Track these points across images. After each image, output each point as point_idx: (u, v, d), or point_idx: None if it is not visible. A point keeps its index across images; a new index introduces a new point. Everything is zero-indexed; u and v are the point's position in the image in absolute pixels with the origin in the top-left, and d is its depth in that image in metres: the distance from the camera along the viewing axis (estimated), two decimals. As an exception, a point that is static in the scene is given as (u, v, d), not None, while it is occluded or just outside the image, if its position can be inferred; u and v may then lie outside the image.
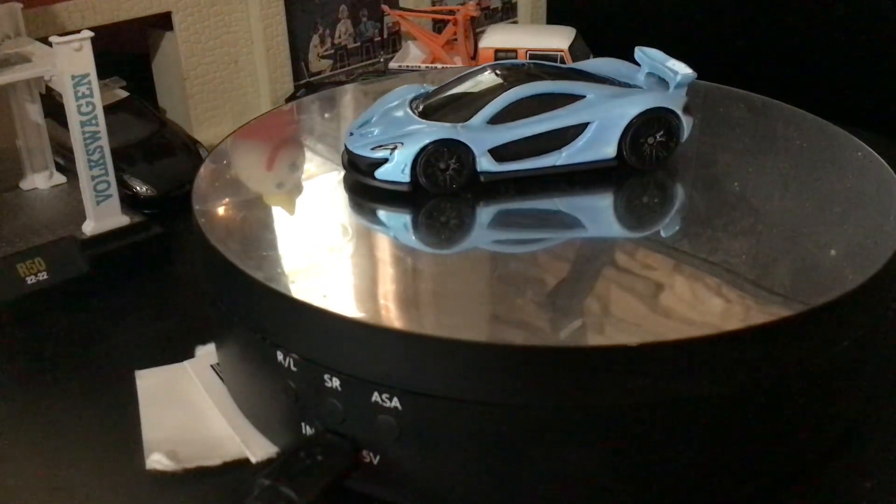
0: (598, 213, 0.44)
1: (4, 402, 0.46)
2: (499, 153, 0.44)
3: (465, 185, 0.44)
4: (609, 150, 0.45)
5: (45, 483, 0.41)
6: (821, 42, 0.76)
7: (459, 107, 0.45)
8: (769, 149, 0.49)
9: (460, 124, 0.44)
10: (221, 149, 0.51)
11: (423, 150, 0.43)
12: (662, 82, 0.47)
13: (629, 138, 0.45)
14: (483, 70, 0.48)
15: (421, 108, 0.46)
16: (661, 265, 0.40)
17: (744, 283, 0.38)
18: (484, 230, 0.43)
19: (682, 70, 0.46)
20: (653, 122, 0.45)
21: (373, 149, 0.44)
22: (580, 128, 0.44)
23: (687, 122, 0.46)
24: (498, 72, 0.47)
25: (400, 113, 0.46)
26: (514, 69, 0.47)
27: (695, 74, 0.46)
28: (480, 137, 0.44)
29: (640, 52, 0.49)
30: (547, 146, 0.44)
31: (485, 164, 0.44)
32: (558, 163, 0.45)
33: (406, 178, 0.44)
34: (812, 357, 0.37)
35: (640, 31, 0.88)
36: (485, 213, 0.44)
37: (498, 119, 0.44)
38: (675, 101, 0.46)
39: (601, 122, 0.44)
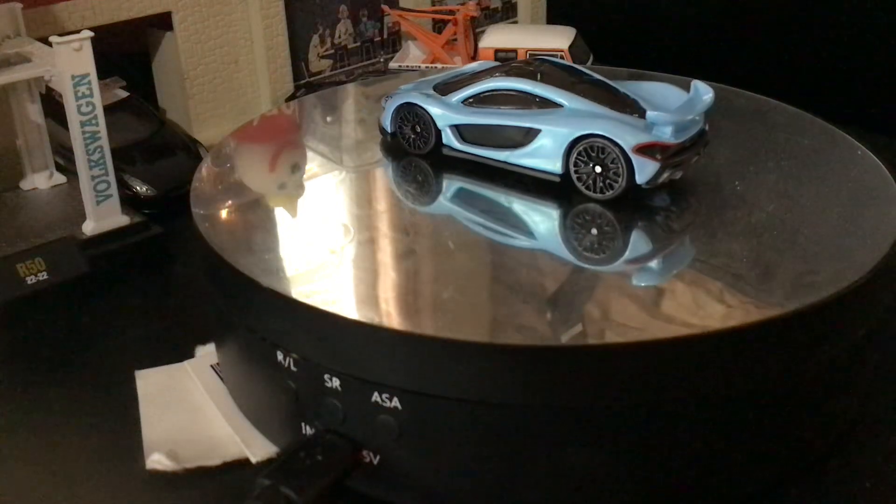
0: (599, 213, 0.44)
1: (4, 403, 0.46)
2: (463, 133, 0.47)
3: (429, 152, 0.48)
4: (554, 165, 0.44)
5: (45, 483, 0.41)
6: (821, 42, 0.76)
7: (458, 86, 0.48)
8: (769, 149, 0.49)
9: (440, 98, 0.47)
10: (221, 148, 0.51)
11: (398, 108, 0.49)
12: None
13: (573, 159, 0.43)
14: (511, 62, 0.49)
15: (444, 84, 0.49)
16: (660, 265, 0.40)
17: (742, 282, 0.38)
18: (486, 231, 0.43)
19: (658, 109, 0.43)
20: (596, 150, 0.42)
21: (385, 97, 0.50)
22: (533, 133, 0.44)
23: (642, 165, 0.41)
24: (513, 64, 0.48)
25: (427, 83, 0.50)
26: (531, 65, 0.47)
27: (667, 118, 0.42)
28: (448, 113, 0.47)
29: (694, 85, 0.45)
30: (504, 141, 0.45)
31: (450, 138, 0.47)
32: (510, 160, 0.45)
33: (388, 128, 0.49)
34: (811, 357, 0.37)
35: (641, 32, 0.88)
36: (491, 215, 0.44)
37: (472, 102, 0.47)
38: (627, 135, 0.42)
39: (551, 134, 0.44)
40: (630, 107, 0.44)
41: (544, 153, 0.44)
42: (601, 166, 0.42)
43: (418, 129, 0.48)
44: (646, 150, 0.41)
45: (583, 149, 0.43)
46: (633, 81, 0.46)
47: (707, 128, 0.45)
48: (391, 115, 0.49)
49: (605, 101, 0.44)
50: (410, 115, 0.48)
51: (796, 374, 0.37)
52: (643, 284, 0.38)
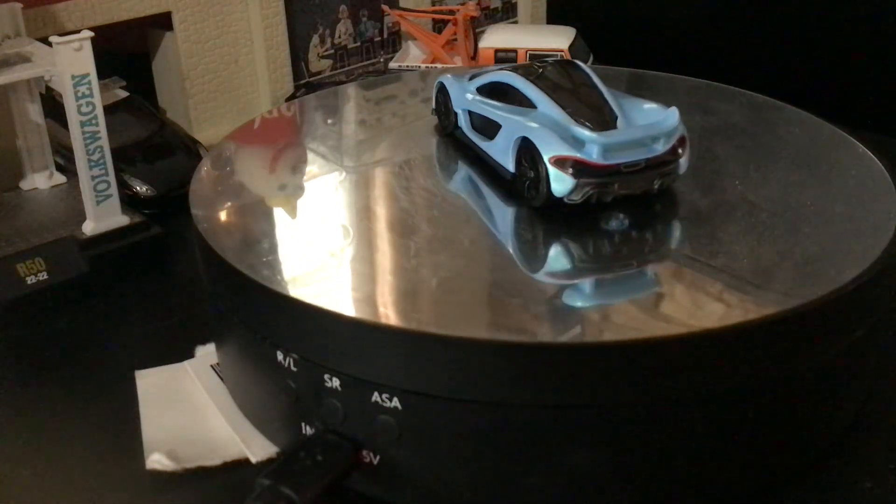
0: (598, 213, 0.44)
1: (4, 403, 0.46)
2: (472, 119, 0.49)
3: (451, 133, 0.50)
4: (509, 163, 0.44)
5: (45, 483, 0.41)
6: (821, 42, 0.76)
7: (481, 76, 0.49)
8: (769, 148, 0.49)
9: (465, 83, 0.50)
10: (220, 148, 0.51)
11: (437, 86, 0.52)
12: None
13: (516, 161, 0.43)
14: (542, 61, 0.49)
15: (479, 73, 0.51)
16: (660, 264, 0.40)
17: (742, 282, 0.38)
18: (487, 231, 0.43)
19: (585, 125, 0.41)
20: (530, 155, 0.42)
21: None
22: (497, 129, 0.45)
23: (558, 177, 0.40)
24: (535, 63, 0.48)
25: (476, 71, 0.52)
26: (542, 66, 0.47)
27: (592, 136, 0.40)
28: (464, 98, 0.49)
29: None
30: (489, 133, 0.46)
31: (462, 122, 0.49)
32: (488, 151, 0.46)
33: (433, 105, 0.53)
34: (811, 356, 0.37)
35: (641, 32, 0.88)
36: (493, 214, 0.44)
37: (482, 91, 0.48)
38: (550, 145, 0.41)
39: (505, 133, 0.44)
40: (602, 123, 0.42)
41: (502, 150, 0.44)
42: (534, 171, 0.42)
43: (443, 110, 0.51)
44: (562, 163, 0.41)
45: (522, 152, 0.43)
46: (635, 99, 0.45)
47: (681, 159, 0.43)
48: (434, 93, 0.52)
49: (580, 111, 0.43)
50: (442, 94, 0.51)
51: (796, 373, 0.37)
52: (642, 284, 0.38)
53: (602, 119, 0.42)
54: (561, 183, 0.41)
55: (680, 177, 0.43)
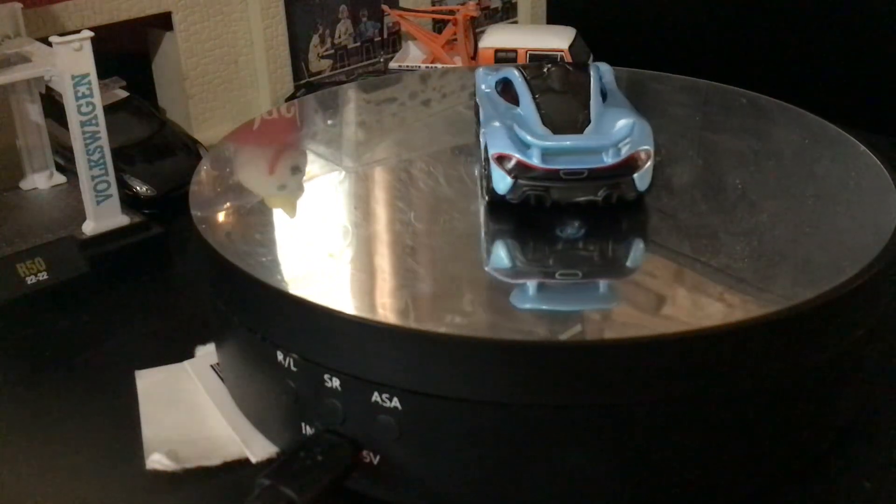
0: (597, 211, 0.44)
1: (4, 403, 0.46)
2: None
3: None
4: (482, 158, 0.45)
5: (46, 483, 0.41)
6: (821, 42, 0.76)
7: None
8: (769, 148, 0.49)
9: (489, 76, 0.50)
10: (220, 148, 0.51)
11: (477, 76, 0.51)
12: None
13: (483, 157, 0.44)
14: (557, 63, 0.50)
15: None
16: (659, 263, 0.40)
17: (742, 282, 0.38)
18: (488, 230, 0.43)
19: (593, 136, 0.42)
20: (485, 152, 0.43)
21: None
22: (479, 126, 0.46)
23: (498, 175, 0.41)
24: (547, 63, 0.48)
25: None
26: (551, 66, 0.47)
27: (530, 139, 0.41)
28: (482, 90, 0.49)
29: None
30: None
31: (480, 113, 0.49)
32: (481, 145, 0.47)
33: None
34: (811, 356, 0.37)
35: (641, 32, 0.88)
36: (494, 213, 0.44)
37: (497, 85, 0.49)
38: (495, 143, 0.42)
39: (482, 130, 0.45)
40: (567, 128, 0.42)
41: (482, 146, 0.45)
42: (486, 168, 0.43)
43: (474, 102, 0.52)
44: (503, 161, 0.41)
45: (485, 148, 0.43)
46: (625, 110, 0.44)
47: (635, 174, 0.42)
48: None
49: (553, 114, 0.43)
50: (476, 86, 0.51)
51: (796, 373, 0.37)
52: (643, 283, 0.38)
53: (570, 124, 0.42)
54: (500, 181, 0.41)
55: (680, 176, 0.43)
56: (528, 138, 0.41)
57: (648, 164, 0.42)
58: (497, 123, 0.43)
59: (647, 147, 0.42)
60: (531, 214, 0.42)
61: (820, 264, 0.39)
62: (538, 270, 0.40)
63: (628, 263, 0.40)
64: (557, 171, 0.41)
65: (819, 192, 0.44)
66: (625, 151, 0.41)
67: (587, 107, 0.43)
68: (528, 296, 0.38)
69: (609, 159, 0.41)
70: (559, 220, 0.42)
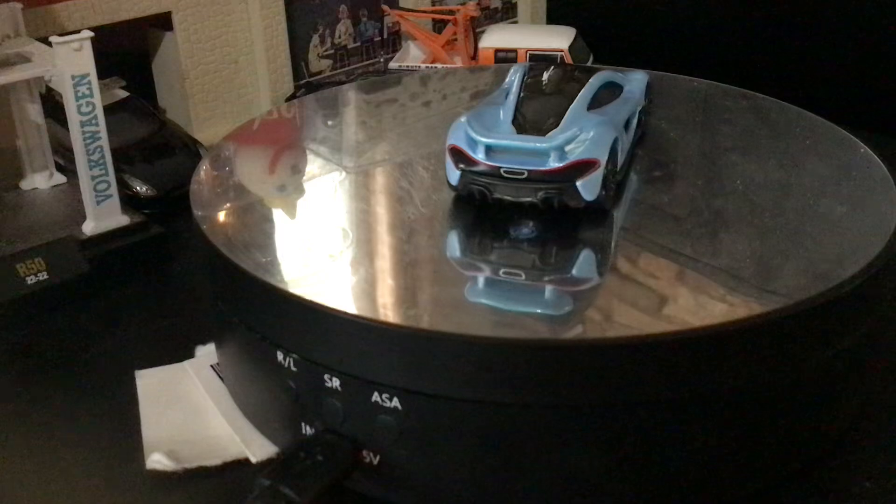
0: (597, 211, 0.44)
1: (4, 403, 0.46)
2: None
3: None
4: None
5: (45, 483, 0.41)
6: (821, 42, 0.76)
7: None
8: (770, 148, 0.49)
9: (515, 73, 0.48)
10: (220, 148, 0.51)
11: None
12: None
13: None
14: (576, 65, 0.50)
15: None
16: (661, 264, 0.40)
17: (743, 281, 0.38)
18: (488, 229, 0.43)
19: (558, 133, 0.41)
20: None
21: None
22: None
23: (449, 166, 0.42)
24: (555, 64, 0.48)
25: None
26: (556, 69, 0.47)
27: (476, 135, 0.41)
28: (501, 87, 0.48)
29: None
30: None
31: None
32: None
33: None
34: (812, 357, 0.37)
35: (640, 32, 0.88)
36: (494, 213, 0.44)
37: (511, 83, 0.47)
38: (453, 135, 0.42)
39: None
40: (535, 129, 0.42)
41: None
42: None
43: None
44: (453, 153, 0.42)
45: None
46: (599, 117, 0.43)
47: (578, 182, 0.41)
48: None
49: (529, 113, 0.43)
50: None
51: (796, 373, 0.37)
52: (643, 283, 0.38)
53: (537, 126, 0.42)
54: (450, 172, 0.43)
55: (681, 176, 0.43)
56: (473, 134, 0.41)
57: (594, 173, 0.41)
58: (463, 118, 0.43)
59: (596, 156, 0.41)
60: (531, 216, 0.42)
61: (821, 264, 0.39)
62: (538, 270, 0.40)
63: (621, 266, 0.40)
64: (499, 168, 0.41)
65: (819, 191, 0.44)
66: (571, 157, 0.41)
67: (564, 111, 0.43)
68: (534, 296, 0.38)
69: (551, 163, 0.41)
70: (564, 223, 0.42)
